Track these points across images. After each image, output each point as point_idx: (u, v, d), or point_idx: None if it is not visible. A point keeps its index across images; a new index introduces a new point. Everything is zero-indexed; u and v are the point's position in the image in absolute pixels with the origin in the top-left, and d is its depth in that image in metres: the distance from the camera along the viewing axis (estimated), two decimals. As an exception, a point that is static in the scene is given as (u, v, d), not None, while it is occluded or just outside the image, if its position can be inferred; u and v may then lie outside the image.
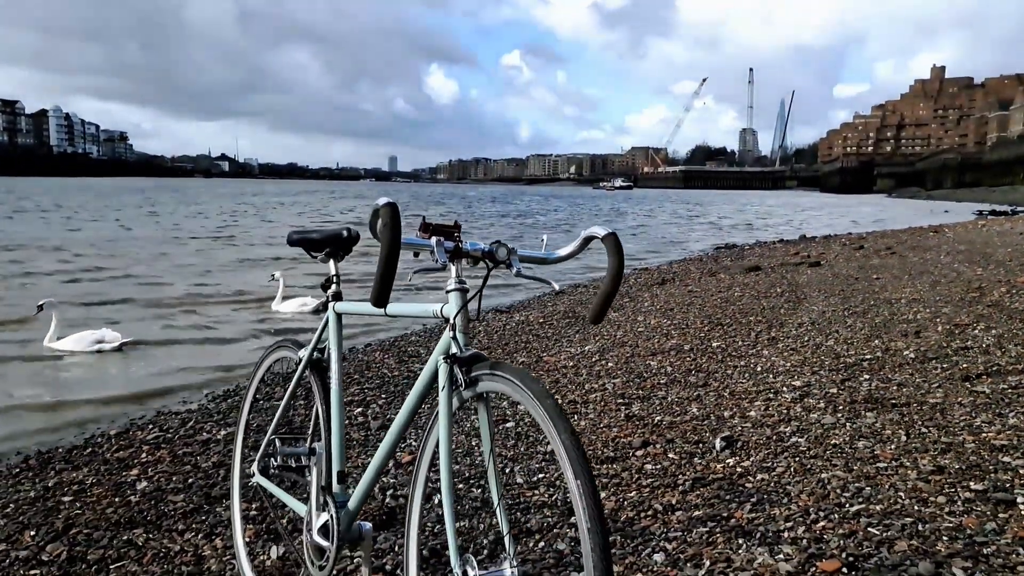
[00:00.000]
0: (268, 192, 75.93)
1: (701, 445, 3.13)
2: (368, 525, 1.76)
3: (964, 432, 3.03)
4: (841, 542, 2.17)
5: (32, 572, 2.39)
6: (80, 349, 6.16)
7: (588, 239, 1.48)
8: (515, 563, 1.34)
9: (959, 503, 2.37)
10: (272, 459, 1.91)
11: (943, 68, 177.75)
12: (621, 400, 3.91)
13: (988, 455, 2.75)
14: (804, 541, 2.19)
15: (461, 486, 2.79)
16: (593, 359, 5.00)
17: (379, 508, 2.68)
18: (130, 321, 7.56)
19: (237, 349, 6.53)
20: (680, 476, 2.79)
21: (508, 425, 3.55)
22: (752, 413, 3.52)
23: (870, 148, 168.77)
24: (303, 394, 3.62)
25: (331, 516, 1.71)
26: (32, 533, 2.68)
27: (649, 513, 2.49)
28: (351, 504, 1.71)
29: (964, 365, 4.06)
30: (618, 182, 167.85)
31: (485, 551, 2.30)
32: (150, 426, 4.16)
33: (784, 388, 3.92)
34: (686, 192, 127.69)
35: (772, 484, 2.65)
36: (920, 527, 2.22)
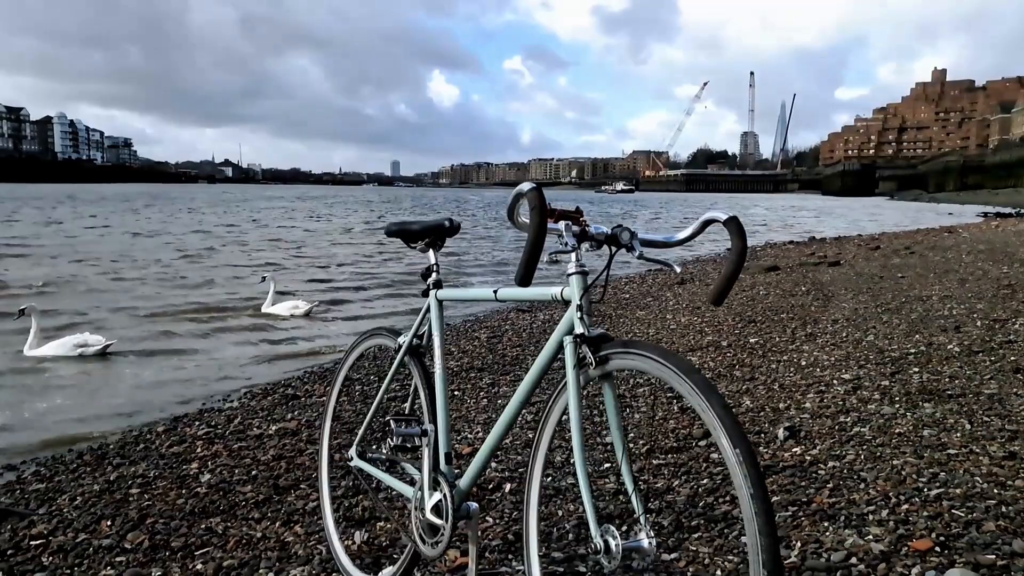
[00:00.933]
0: (287, 196, 75.46)
1: (763, 435, 3.15)
2: (475, 505, 1.78)
3: (1027, 420, 3.04)
4: (928, 523, 2.18)
5: (118, 559, 2.42)
6: (62, 354, 5.89)
7: (707, 222, 1.52)
8: (651, 534, 1.37)
9: (1038, 487, 2.38)
10: (382, 442, 1.93)
11: (944, 71, 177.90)
12: (670, 394, 3.92)
13: (1056, 442, 2.77)
14: (891, 523, 2.21)
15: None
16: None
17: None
18: (124, 328, 7.31)
19: (237, 349, 6.52)
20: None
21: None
22: (807, 405, 3.54)
23: (871, 151, 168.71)
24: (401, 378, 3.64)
25: (444, 495, 1.74)
26: (108, 523, 2.71)
27: (726, 499, 2.51)
28: (462, 483, 1.74)
29: (1012, 358, 4.07)
30: (620, 186, 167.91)
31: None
32: (196, 423, 4.19)
33: (835, 381, 3.93)
34: (688, 195, 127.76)
35: (845, 471, 2.67)
36: (1004, 509, 2.23)
